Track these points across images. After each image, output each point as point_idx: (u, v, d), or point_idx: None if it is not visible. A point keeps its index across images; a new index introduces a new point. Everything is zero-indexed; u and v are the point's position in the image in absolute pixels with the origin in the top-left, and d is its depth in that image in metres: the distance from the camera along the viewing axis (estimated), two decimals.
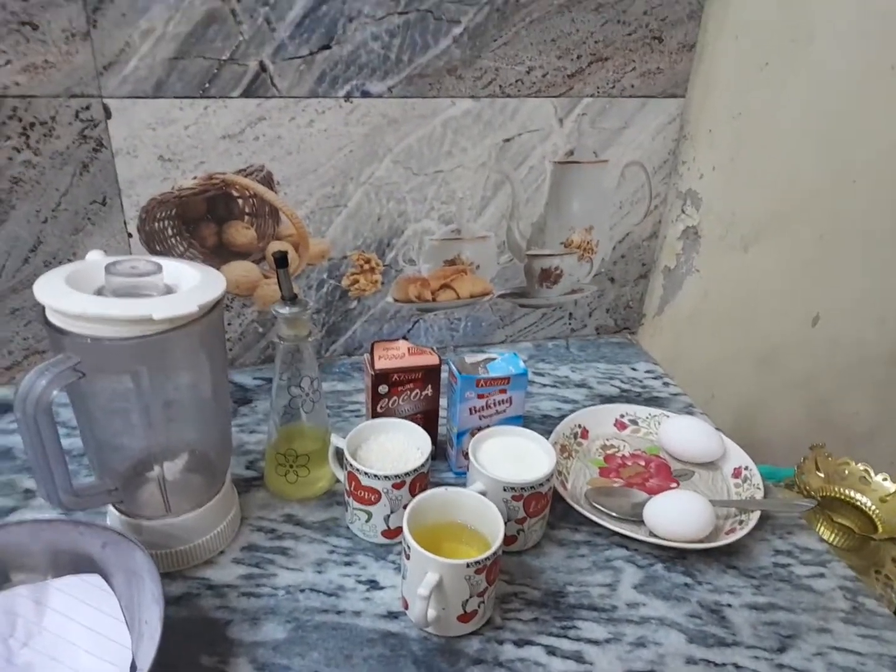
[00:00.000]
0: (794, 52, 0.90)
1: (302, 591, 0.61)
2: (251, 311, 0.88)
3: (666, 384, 0.93)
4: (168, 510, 0.60)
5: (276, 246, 0.84)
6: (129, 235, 0.79)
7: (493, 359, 0.73)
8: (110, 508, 0.61)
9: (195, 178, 0.78)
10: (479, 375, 0.70)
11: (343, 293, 0.90)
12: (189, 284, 0.55)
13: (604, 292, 1.00)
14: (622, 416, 0.82)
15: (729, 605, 0.62)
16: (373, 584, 0.62)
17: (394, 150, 0.82)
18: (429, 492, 0.60)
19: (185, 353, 0.54)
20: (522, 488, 0.62)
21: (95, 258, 0.56)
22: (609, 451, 0.78)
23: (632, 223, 0.96)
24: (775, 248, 1.04)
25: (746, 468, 0.74)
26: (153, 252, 0.81)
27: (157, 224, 0.80)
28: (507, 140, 0.85)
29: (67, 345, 0.50)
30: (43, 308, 0.51)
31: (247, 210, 0.82)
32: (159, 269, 0.54)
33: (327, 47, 0.75)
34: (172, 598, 0.59)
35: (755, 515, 0.67)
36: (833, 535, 0.97)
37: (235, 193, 0.80)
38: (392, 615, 0.59)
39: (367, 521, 0.64)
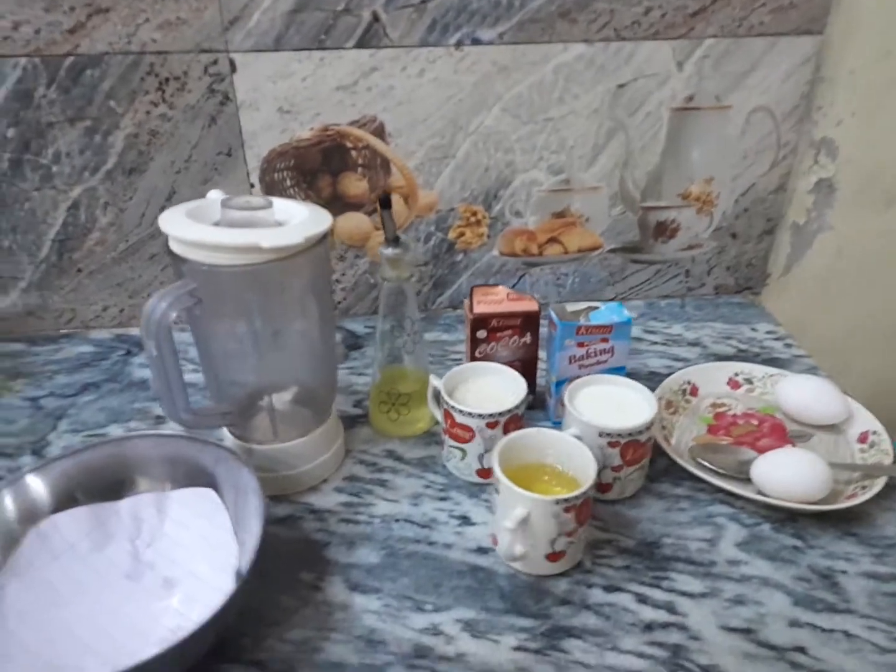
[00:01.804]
0: None
1: (397, 520, 0.63)
2: (363, 261, 0.91)
3: (788, 345, 0.87)
4: (276, 437, 0.64)
5: None
6: (252, 185, 0.84)
7: (596, 308, 0.71)
8: (225, 432, 0.65)
9: (311, 129, 0.82)
10: (580, 323, 0.68)
11: (450, 246, 0.91)
12: (297, 220, 0.57)
13: (724, 248, 0.95)
14: (736, 374, 0.78)
15: (844, 572, 0.57)
16: (465, 520, 0.63)
17: (503, 99, 0.82)
18: (522, 431, 0.60)
19: (292, 284, 0.57)
20: (619, 435, 0.60)
21: (215, 196, 0.60)
22: (720, 410, 0.75)
23: (757, 174, 0.89)
24: None
25: (875, 433, 0.69)
26: None
27: (276, 175, 0.84)
28: (622, 86, 0.82)
29: (186, 272, 0.54)
30: (167, 238, 0.55)
31: (360, 161, 0.84)
32: (270, 204, 0.57)
33: None
34: (277, 519, 0.63)
35: (880, 481, 0.62)
36: None
37: (349, 145, 0.83)
38: (482, 550, 0.60)
39: (462, 458, 0.65)
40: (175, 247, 0.54)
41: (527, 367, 0.73)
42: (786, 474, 0.62)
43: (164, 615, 0.52)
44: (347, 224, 0.87)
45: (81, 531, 0.56)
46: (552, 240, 0.92)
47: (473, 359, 0.72)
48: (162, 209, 0.83)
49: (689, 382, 0.76)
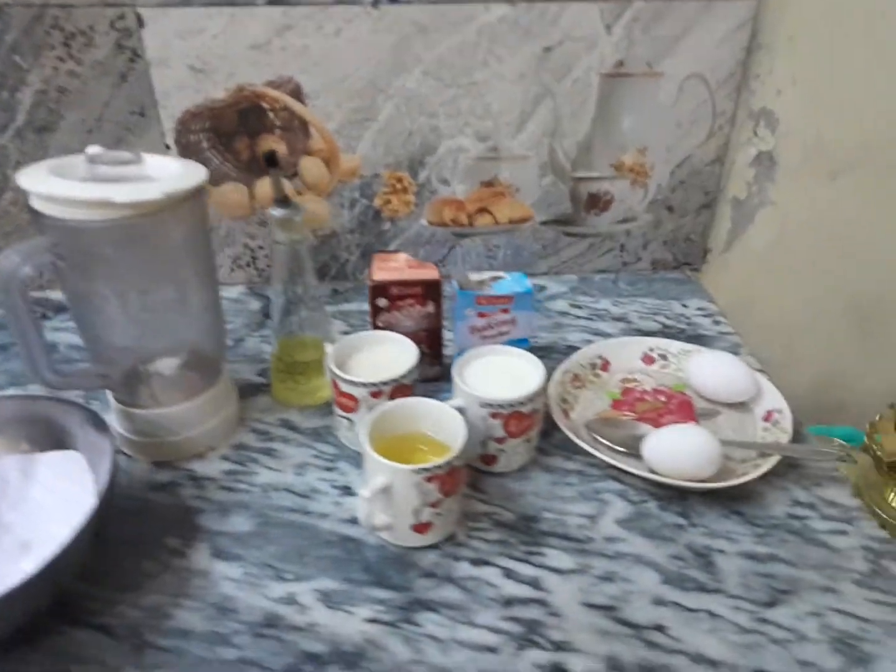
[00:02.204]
0: None
1: (276, 490, 0.62)
2: None
3: (717, 322, 0.85)
4: (156, 402, 0.62)
5: (306, 162, 0.84)
6: (167, 147, 0.82)
7: (501, 277, 0.69)
8: (110, 396, 0.64)
9: (226, 89, 0.79)
10: (480, 292, 0.67)
11: (376, 213, 0.89)
12: (165, 176, 0.56)
13: (660, 222, 0.92)
14: (651, 349, 0.76)
15: (721, 552, 0.56)
16: (346, 490, 0.62)
17: (424, 60, 0.79)
18: (399, 400, 0.59)
19: (160, 243, 0.56)
20: (501, 406, 0.59)
21: (91, 152, 0.58)
22: (629, 385, 0.73)
23: (692, 145, 0.87)
24: (872, 178, 0.91)
25: (779, 411, 0.67)
26: None
27: (192, 136, 0.82)
28: (548, 49, 0.79)
29: (46, 229, 0.53)
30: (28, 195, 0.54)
31: (277, 123, 0.82)
32: (140, 159, 0.55)
33: None
34: (157, 484, 0.62)
35: (771, 460, 0.60)
36: None
37: (266, 106, 0.81)
38: (356, 521, 0.58)
39: (350, 428, 0.64)
40: (33, 202, 0.53)
41: (432, 338, 0.72)
42: (675, 451, 0.60)
43: (11, 577, 0.51)
44: (266, 188, 0.85)
45: None
46: (482, 210, 0.89)
47: (376, 328, 0.71)
48: None
49: (600, 357, 0.75)
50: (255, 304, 0.89)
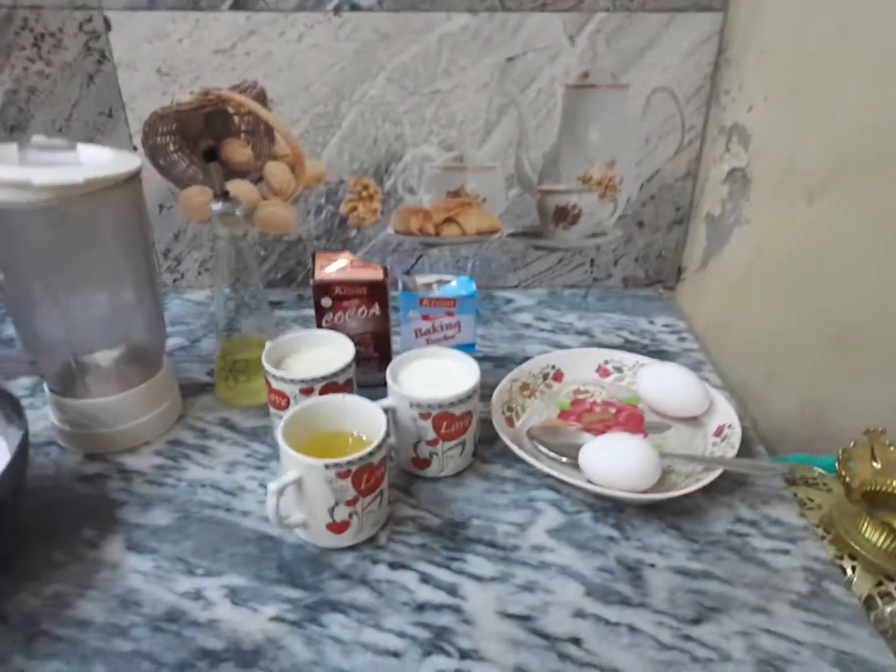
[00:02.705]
0: None
1: (203, 486, 0.60)
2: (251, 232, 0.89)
3: (682, 339, 0.83)
4: (87, 392, 0.62)
5: (271, 167, 0.85)
6: (135, 149, 0.83)
7: (448, 282, 0.68)
8: (45, 385, 0.64)
9: (192, 93, 0.80)
10: (423, 294, 0.66)
11: (342, 220, 0.88)
12: (95, 164, 0.56)
13: (631, 238, 0.91)
14: (606, 361, 0.74)
15: (652, 566, 0.54)
16: None
17: (387, 68, 0.79)
18: (323, 397, 0.58)
19: (84, 231, 0.55)
20: (429, 406, 0.57)
21: (34, 141, 0.59)
22: (580, 396, 0.71)
23: (661, 159, 0.86)
24: (849, 199, 0.88)
25: (730, 426, 0.64)
26: (157, 167, 0.84)
27: (159, 139, 0.83)
28: (511, 59, 0.79)
29: None
30: None
31: (243, 128, 0.83)
32: (73, 147, 0.56)
33: None
34: (85, 476, 0.61)
35: (714, 474, 0.58)
36: (881, 538, 0.81)
37: (231, 110, 0.81)
38: None
39: None
40: None
41: (379, 341, 0.71)
42: (612, 461, 0.58)
43: None
44: (232, 192, 0.85)
45: None
46: (449, 220, 0.89)
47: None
48: None
49: (553, 367, 0.73)
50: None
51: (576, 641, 0.48)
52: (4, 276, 0.57)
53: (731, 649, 0.48)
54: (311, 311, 0.83)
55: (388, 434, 0.53)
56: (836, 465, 0.85)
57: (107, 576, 0.52)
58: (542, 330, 0.85)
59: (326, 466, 0.50)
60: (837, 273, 0.94)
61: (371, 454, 0.51)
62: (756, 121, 0.85)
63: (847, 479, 0.82)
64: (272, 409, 0.63)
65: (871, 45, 0.78)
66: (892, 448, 0.85)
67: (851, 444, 0.86)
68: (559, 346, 0.81)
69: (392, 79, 0.80)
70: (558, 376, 0.73)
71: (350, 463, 0.50)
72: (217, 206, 0.63)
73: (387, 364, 0.71)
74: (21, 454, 0.50)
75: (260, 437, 0.66)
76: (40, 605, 0.50)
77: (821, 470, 0.85)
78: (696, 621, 0.49)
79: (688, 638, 0.48)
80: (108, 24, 0.76)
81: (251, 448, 0.65)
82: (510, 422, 0.66)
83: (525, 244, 0.91)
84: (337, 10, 0.76)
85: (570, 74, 0.80)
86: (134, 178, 0.57)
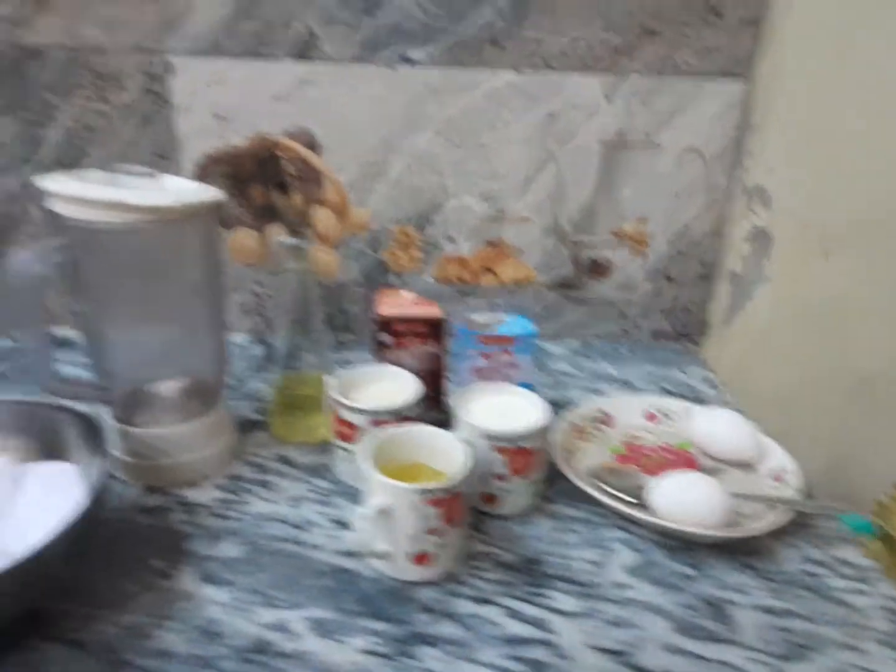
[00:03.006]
0: (887, 23, 0.82)
1: (269, 520, 0.59)
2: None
3: (717, 390, 0.85)
4: (154, 421, 0.61)
5: (318, 212, 0.86)
6: None
7: (503, 321, 0.69)
8: (107, 414, 0.62)
9: (246, 137, 0.82)
10: (484, 332, 0.67)
11: (382, 267, 0.90)
12: (183, 191, 0.57)
13: (660, 291, 0.94)
14: (654, 408, 0.75)
15: (733, 603, 0.54)
16: (341, 524, 0.59)
17: (435, 120, 0.83)
18: (400, 428, 0.57)
19: (170, 255, 0.56)
20: (506, 439, 0.58)
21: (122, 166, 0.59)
22: (633, 442, 0.72)
23: (689, 216, 0.90)
24: (864, 257, 0.93)
25: (787, 471, 0.66)
26: None
27: (210, 181, 0.84)
28: (552, 115, 0.83)
29: (61, 230, 0.53)
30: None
31: (293, 172, 0.84)
32: (156, 175, 0.57)
33: (372, 13, 0.77)
34: (146, 508, 0.59)
35: (784, 515, 0.59)
36: None
37: (282, 155, 0.83)
38: (351, 554, 0.56)
39: (348, 460, 0.62)
40: (50, 203, 0.53)
41: (433, 380, 0.71)
42: (682, 498, 0.59)
43: None
44: (278, 235, 0.86)
45: None
46: (486, 269, 0.91)
47: None
48: None
49: (602, 412, 0.74)
50: (259, 351, 0.88)
51: None
52: (85, 298, 0.56)
53: None
54: (350, 355, 0.84)
55: (472, 464, 0.53)
56: (872, 518, 0.86)
57: (184, 606, 0.50)
58: (580, 378, 0.86)
59: (418, 492, 0.49)
60: (853, 328, 0.98)
61: (460, 483, 0.51)
62: (776, 182, 0.90)
63: (885, 529, 0.83)
64: (337, 442, 0.63)
65: (882, 114, 0.84)
66: None
67: (888, 497, 0.88)
68: (600, 393, 0.82)
69: (440, 131, 0.83)
70: (608, 421, 0.74)
71: (442, 490, 0.50)
72: (288, 240, 0.64)
73: (439, 403, 0.72)
74: (103, 481, 0.48)
75: (319, 473, 0.65)
76: (119, 635, 0.47)
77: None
78: (789, 658, 0.49)
79: None
80: (170, 68, 0.78)
81: (313, 484, 0.64)
82: (569, 464, 0.66)
83: (558, 295, 0.93)
84: (391, 63, 0.80)
85: (606, 131, 0.85)
86: (216, 207, 0.58)
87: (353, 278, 0.90)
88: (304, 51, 0.78)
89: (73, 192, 0.51)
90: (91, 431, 0.53)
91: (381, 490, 0.50)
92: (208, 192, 0.57)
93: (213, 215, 0.58)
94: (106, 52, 0.77)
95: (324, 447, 0.68)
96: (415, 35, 0.78)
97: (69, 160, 0.81)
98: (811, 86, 0.84)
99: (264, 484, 0.63)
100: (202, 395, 0.64)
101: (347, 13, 0.77)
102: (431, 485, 0.49)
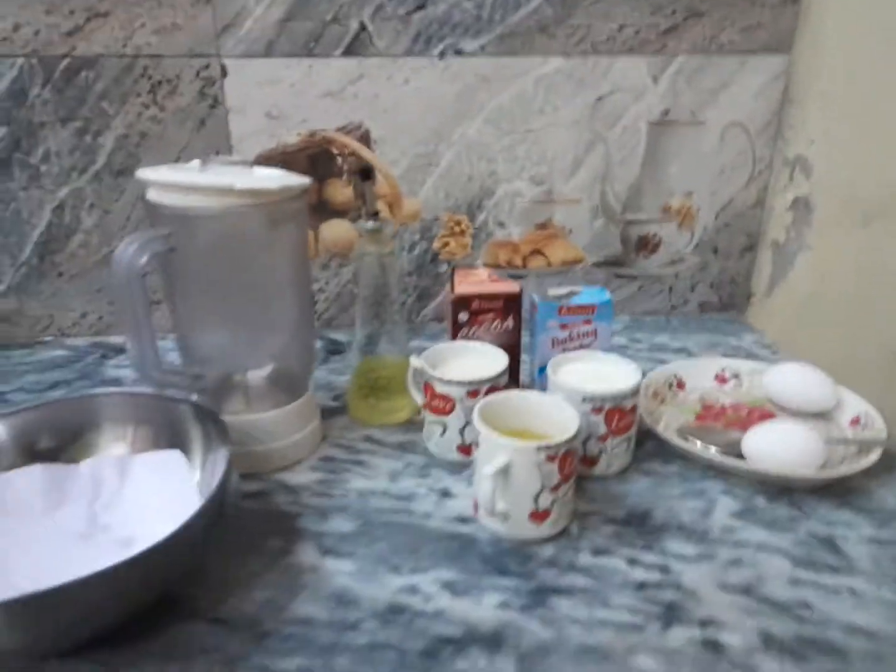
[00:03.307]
0: None
1: (374, 494, 0.59)
2: (347, 270, 0.91)
3: (775, 353, 0.87)
4: (247, 406, 0.61)
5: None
6: None
7: (577, 292, 0.71)
8: None
9: (298, 134, 0.84)
10: (562, 303, 0.68)
11: (433, 256, 0.91)
12: (276, 177, 0.58)
13: (707, 265, 0.95)
14: (723, 369, 0.76)
15: (844, 538, 0.54)
16: (445, 494, 0.60)
17: (486, 109, 0.84)
18: (503, 393, 0.58)
19: (267, 239, 0.57)
20: (603, 399, 0.59)
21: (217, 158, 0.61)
22: (708, 402, 0.73)
23: (734, 189, 0.92)
24: None
25: (866, 413, 0.67)
26: None
27: None
28: (600, 98, 0.85)
29: (161, 220, 0.54)
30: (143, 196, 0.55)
31: (345, 168, 0.86)
32: (250, 164, 0.58)
33: (423, 7, 0.79)
34: (247, 493, 0.60)
35: (874, 454, 0.60)
36: None
37: (335, 151, 0.85)
38: (462, 520, 0.56)
39: (443, 434, 0.63)
40: (151, 194, 0.54)
41: (511, 354, 0.71)
42: (778, 445, 0.60)
43: None
44: (332, 231, 0.88)
45: (36, 490, 0.53)
46: (536, 252, 0.92)
47: None
48: None
49: (675, 376, 0.75)
50: (319, 344, 0.89)
51: (805, 605, 0.48)
52: (180, 285, 0.57)
53: None
54: (411, 344, 0.85)
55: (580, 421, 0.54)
56: None
57: (311, 578, 0.50)
58: (640, 350, 0.87)
59: (538, 449, 0.50)
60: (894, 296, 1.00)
61: (574, 437, 0.52)
62: (817, 153, 0.92)
63: None
64: (430, 417, 0.63)
65: None
66: None
67: None
68: (664, 362, 0.83)
69: (490, 119, 0.85)
70: (681, 385, 0.75)
71: (559, 445, 0.51)
72: (368, 224, 0.65)
73: (516, 378, 0.72)
74: (229, 467, 0.49)
75: (409, 449, 0.66)
76: (256, 609, 0.47)
77: None
78: None
79: None
80: (224, 71, 0.80)
81: (406, 459, 0.64)
82: (653, 425, 0.67)
83: (607, 273, 0.95)
84: (442, 54, 0.82)
85: (652, 112, 0.87)
86: (307, 193, 0.59)
87: (405, 268, 0.91)
88: (356, 47, 0.80)
89: (180, 179, 0.52)
90: (210, 422, 0.53)
91: (501, 451, 0.51)
92: (297, 180, 0.58)
93: (304, 202, 0.59)
94: (162, 58, 0.79)
95: (405, 427, 0.69)
96: (466, 26, 0.80)
97: (122, 167, 0.82)
98: (850, 60, 0.87)
99: (359, 462, 0.64)
100: (290, 382, 0.64)
101: (400, 7, 0.79)
102: (551, 441, 0.50)
